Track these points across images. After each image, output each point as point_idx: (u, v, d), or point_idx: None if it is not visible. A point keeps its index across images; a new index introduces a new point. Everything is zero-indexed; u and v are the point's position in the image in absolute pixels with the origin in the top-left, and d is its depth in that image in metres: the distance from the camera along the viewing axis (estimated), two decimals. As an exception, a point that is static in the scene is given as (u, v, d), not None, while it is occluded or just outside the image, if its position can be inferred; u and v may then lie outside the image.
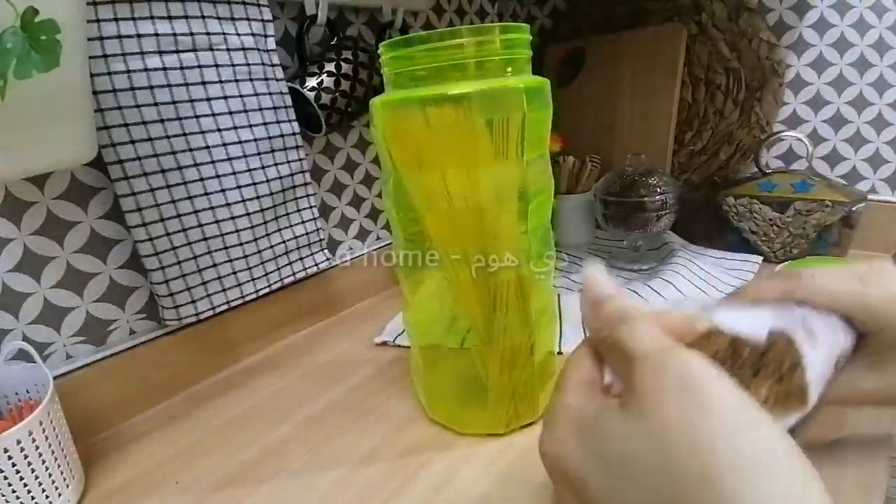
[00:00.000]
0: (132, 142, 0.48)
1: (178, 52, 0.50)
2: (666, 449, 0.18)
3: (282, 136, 0.59)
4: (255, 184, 0.57)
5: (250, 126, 0.56)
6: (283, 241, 0.62)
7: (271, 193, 0.59)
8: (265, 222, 0.59)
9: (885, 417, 0.39)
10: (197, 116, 0.52)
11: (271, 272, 0.61)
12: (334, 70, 0.61)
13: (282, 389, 0.55)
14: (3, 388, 0.43)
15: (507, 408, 0.43)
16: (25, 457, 0.37)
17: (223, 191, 0.55)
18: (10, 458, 0.36)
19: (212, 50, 0.52)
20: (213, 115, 0.53)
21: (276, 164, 0.59)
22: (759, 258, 0.70)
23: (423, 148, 0.36)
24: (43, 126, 0.35)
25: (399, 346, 0.61)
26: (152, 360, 0.54)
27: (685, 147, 0.84)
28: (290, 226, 0.62)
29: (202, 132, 0.53)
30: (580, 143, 0.87)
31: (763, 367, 0.23)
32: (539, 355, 0.43)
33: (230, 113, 0.54)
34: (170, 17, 0.49)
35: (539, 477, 0.38)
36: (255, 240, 0.58)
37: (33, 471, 0.37)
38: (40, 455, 0.38)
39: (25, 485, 0.37)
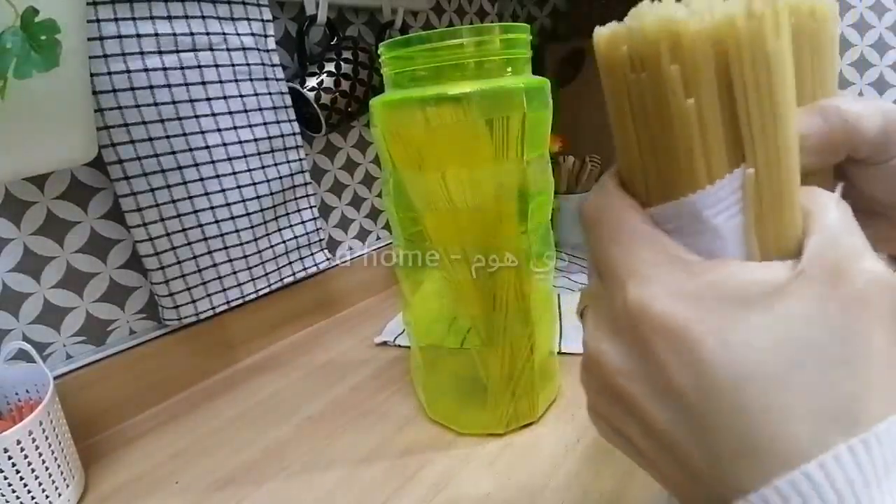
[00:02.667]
0: (132, 142, 0.48)
1: (178, 52, 0.50)
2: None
3: (282, 136, 0.59)
4: (255, 184, 0.57)
5: (250, 126, 0.56)
6: (283, 241, 0.62)
7: (271, 193, 0.59)
8: (265, 222, 0.59)
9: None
10: (197, 116, 0.52)
11: (271, 272, 0.61)
12: (334, 70, 0.61)
13: (282, 389, 0.55)
14: (3, 388, 0.43)
15: (507, 408, 0.43)
16: (25, 457, 0.37)
17: (223, 191, 0.55)
18: (10, 458, 0.36)
19: (212, 50, 0.52)
20: (213, 115, 0.53)
21: (276, 164, 0.59)
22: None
23: (423, 148, 0.36)
24: (43, 126, 0.35)
25: (399, 346, 0.61)
26: (152, 360, 0.54)
27: (685, 147, 0.84)
28: (290, 226, 0.62)
29: (202, 132, 0.53)
30: (580, 143, 0.87)
31: None
32: (539, 355, 0.43)
33: (230, 113, 0.54)
34: (170, 17, 0.49)
35: (539, 477, 0.38)
36: (255, 240, 0.58)
37: (33, 471, 0.37)
38: (40, 455, 0.38)
39: (25, 485, 0.37)
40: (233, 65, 0.54)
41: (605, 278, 0.18)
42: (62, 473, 0.40)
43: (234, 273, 0.58)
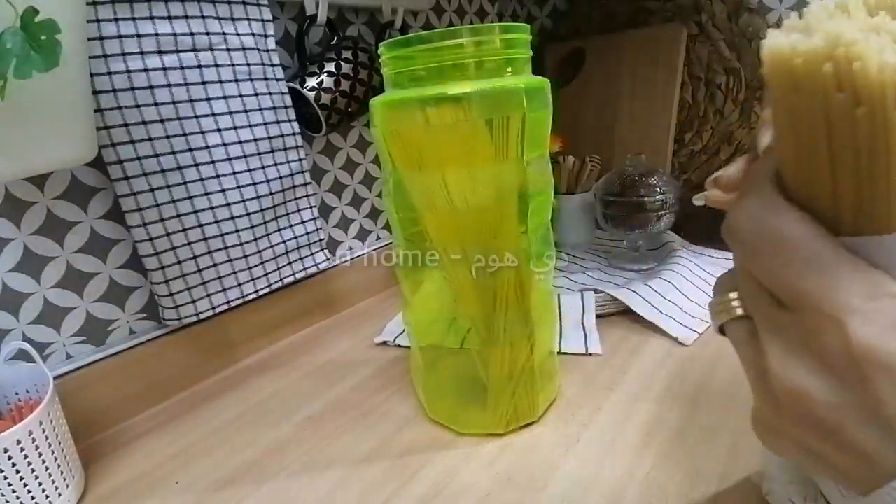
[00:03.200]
0: (132, 142, 0.48)
1: (178, 52, 0.50)
2: None
3: (282, 136, 0.59)
4: (255, 184, 0.57)
5: (250, 126, 0.56)
6: (283, 241, 0.62)
7: (271, 193, 0.59)
8: (265, 222, 0.59)
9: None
10: (197, 116, 0.52)
11: (271, 272, 0.61)
12: (334, 70, 0.61)
13: (282, 389, 0.55)
14: (3, 388, 0.43)
15: (507, 408, 0.43)
16: (25, 457, 0.37)
17: (223, 191, 0.55)
18: (10, 458, 0.36)
19: (212, 50, 0.52)
20: (213, 115, 0.53)
21: (276, 164, 0.59)
22: (759, 258, 0.70)
23: (423, 148, 0.36)
24: (43, 126, 0.35)
25: (399, 346, 0.61)
26: (152, 360, 0.54)
27: (685, 147, 0.84)
28: (290, 226, 0.62)
29: (202, 132, 0.53)
30: (580, 143, 0.87)
31: None
32: (539, 355, 0.43)
33: (230, 113, 0.54)
34: (170, 17, 0.49)
35: (539, 477, 0.38)
36: (255, 240, 0.58)
37: (33, 471, 0.37)
38: (40, 455, 0.38)
39: (25, 485, 0.37)
40: (233, 65, 0.54)
41: (799, 307, 0.17)
42: (62, 473, 0.40)
43: (234, 273, 0.58)
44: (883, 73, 0.13)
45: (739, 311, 0.21)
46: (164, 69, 0.49)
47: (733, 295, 0.21)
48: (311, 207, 0.64)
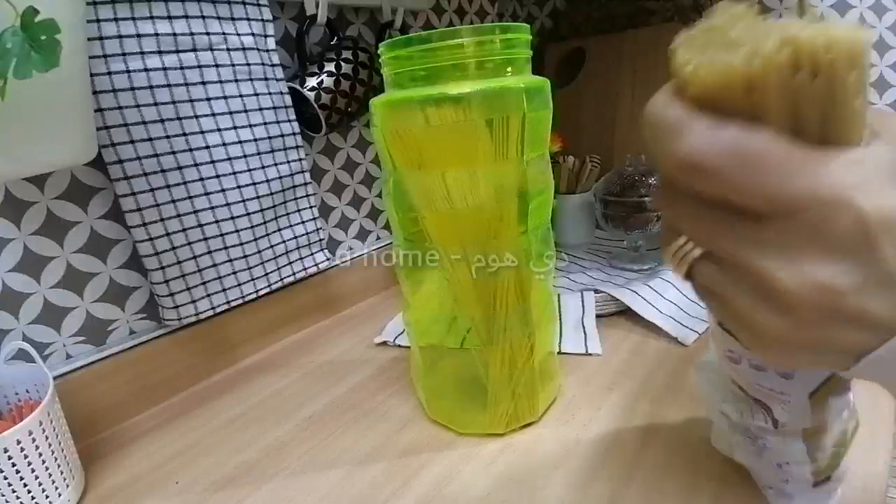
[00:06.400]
0: (132, 142, 0.48)
1: (178, 52, 0.50)
2: None
3: (282, 136, 0.59)
4: (255, 184, 0.57)
5: (250, 126, 0.56)
6: (283, 241, 0.62)
7: (271, 193, 0.59)
8: (265, 222, 0.59)
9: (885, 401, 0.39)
10: (197, 116, 0.52)
11: (271, 272, 0.61)
12: (334, 70, 0.61)
13: (282, 389, 0.55)
14: (3, 388, 0.43)
15: (507, 408, 0.43)
16: (25, 457, 0.37)
17: (223, 191, 0.55)
18: (10, 458, 0.36)
19: (212, 50, 0.52)
20: (213, 115, 0.53)
21: (276, 164, 0.59)
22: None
23: (423, 148, 0.36)
24: (43, 126, 0.35)
25: (399, 346, 0.61)
26: (152, 360, 0.54)
27: (685, 147, 0.84)
28: (290, 226, 0.62)
29: (202, 132, 0.53)
30: (580, 143, 0.87)
31: None
32: (539, 355, 0.43)
33: (230, 113, 0.54)
34: (170, 17, 0.49)
35: (539, 477, 0.38)
36: (255, 240, 0.58)
37: (33, 471, 0.37)
38: (40, 455, 0.38)
39: (25, 485, 0.37)
40: (233, 65, 0.54)
41: (792, 210, 0.17)
42: (62, 473, 0.40)
43: (234, 273, 0.58)
44: (841, 46, 0.16)
45: (696, 252, 0.21)
46: (164, 69, 0.49)
47: (682, 240, 0.22)
48: (311, 207, 0.64)
